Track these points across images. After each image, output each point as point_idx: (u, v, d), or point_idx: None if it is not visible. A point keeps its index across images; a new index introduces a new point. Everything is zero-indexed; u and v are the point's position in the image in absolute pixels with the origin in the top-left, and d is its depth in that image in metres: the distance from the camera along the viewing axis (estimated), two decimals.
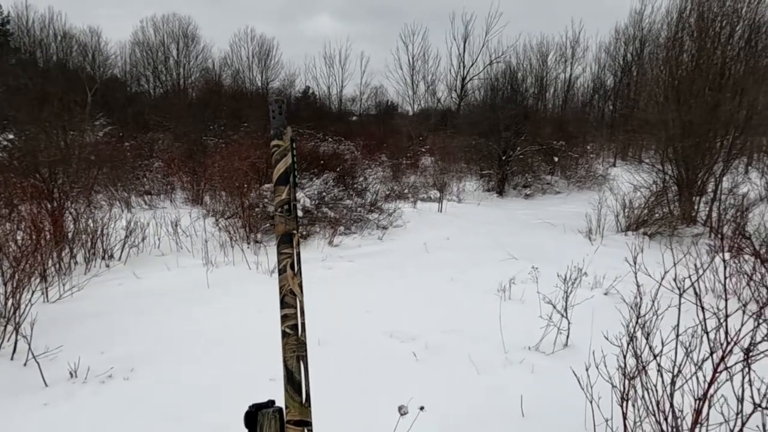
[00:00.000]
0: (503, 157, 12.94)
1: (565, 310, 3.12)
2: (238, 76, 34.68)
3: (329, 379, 2.77)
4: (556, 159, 14.02)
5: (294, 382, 0.95)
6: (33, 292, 3.21)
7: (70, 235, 5.56)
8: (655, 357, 1.91)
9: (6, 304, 3.03)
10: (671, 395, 1.85)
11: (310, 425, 0.95)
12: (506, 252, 5.87)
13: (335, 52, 51.31)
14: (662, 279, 2.05)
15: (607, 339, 2.18)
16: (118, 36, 52.09)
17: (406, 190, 11.81)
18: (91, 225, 5.53)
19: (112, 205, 10.08)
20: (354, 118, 35.77)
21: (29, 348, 2.75)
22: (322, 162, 8.02)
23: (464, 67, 30.37)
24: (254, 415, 0.92)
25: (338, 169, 7.97)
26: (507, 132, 13.01)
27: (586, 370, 2.11)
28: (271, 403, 0.95)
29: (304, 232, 6.50)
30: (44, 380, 2.58)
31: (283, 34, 50.11)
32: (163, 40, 33.55)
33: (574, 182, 14.33)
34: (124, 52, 33.31)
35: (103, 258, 5.43)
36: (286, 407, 0.94)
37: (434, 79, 31.95)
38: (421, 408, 1.98)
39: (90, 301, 3.98)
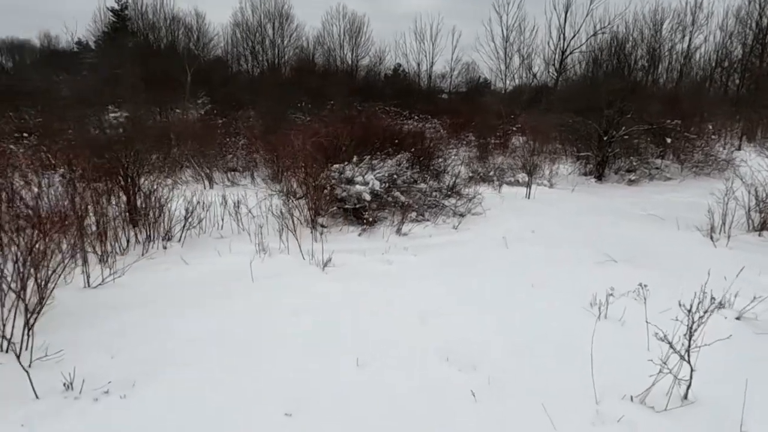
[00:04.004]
0: (604, 138, 11.50)
1: (687, 352, 2.28)
2: (330, 54, 34.86)
3: (363, 420, 2.21)
4: (668, 140, 12.24)
5: None
6: (55, 284, 2.96)
7: (139, 213, 5.51)
8: None
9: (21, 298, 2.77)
10: None
11: None
12: (603, 252, 4.93)
13: (426, 27, 49.75)
14: None
15: None
16: (220, 18, 54.52)
17: (491, 173, 10.88)
18: (152, 201, 5.42)
19: (198, 180, 10.31)
20: (443, 95, 34.71)
21: (30, 351, 2.47)
22: (396, 141, 7.41)
23: (564, 39, 27.97)
24: None
25: (412, 150, 7.32)
26: (610, 109, 11.52)
27: None
28: None
29: (371, 219, 5.97)
30: (35, 391, 2.28)
31: (374, 10, 49.55)
32: (260, 20, 34.37)
33: (689, 167, 12.46)
34: (226, 33, 34.65)
35: (164, 239, 5.29)
36: None
37: (530, 52, 29.73)
38: None
39: (128, 289, 3.75)
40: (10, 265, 3.01)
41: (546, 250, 5.23)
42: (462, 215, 6.72)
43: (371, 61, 35.07)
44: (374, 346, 2.87)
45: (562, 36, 28.06)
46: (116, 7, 31.15)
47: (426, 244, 5.41)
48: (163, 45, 31.75)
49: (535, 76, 29.40)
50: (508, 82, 29.68)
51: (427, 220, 6.51)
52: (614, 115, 11.45)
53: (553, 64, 28.58)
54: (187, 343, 2.93)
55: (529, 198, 8.58)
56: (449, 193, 7.47)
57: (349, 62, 34.78)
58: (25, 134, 11.69)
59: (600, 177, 11.59)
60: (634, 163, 11.73)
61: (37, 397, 2.28)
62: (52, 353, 2.58)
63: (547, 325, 3.26)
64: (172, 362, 2.70)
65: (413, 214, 6.41)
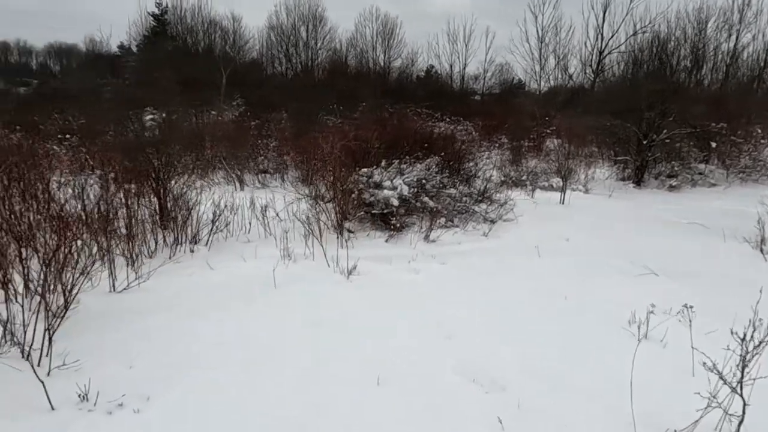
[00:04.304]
0: (644, 141, 11.05)
1: (740, 384, 2.07)
2: (362, 56, 34.91)
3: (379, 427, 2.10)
4: (713, 144, 11.67)
5: None
6: (79, 288, 2.96)
7: (168, 216, 5.55)
8: None
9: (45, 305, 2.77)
10: None
11: None
12: (642, 264, 4.66)
13: (459, 29, 49.17)
14: None
15: None
16: (256, 21, 55.35)
17: (524, 177, 10.60)
18: (181, 204, 5.45)
19: (229, 182, 10.41)
20: (476, 97, 34.30)
21: (49, 358, 2.46)
22: (426, 144, 7.27)
23: (602, 39, 27.20)
24: None
25: (442, 153, 7.16)
26: (650, 111, 11.06)
27: None
28: None
29: (398, 224, 5.85)
30: (50, 402, 2.25)
31: (407, 12, 49.47)
32: (294, 22, 34.69)
33: (735, 173, 11.85)
34: (261, 36, 35.12)
35: (192, 242, 5.30)
36: None
37: (566, 53, 29.03)
38: None
39: (153, 293, 3.74)
40: (35, 269, 3.03)
41: (581, 259, 5.00)
42: (493, 222, 6.52)
43: (403, 63, 34.92)
44: (397, 363, 2.75)
45: (599, 36, 27.29)
46: (156, 11, 32.14)
47: (454, 251, 5.26)
48: (201, 48, 32.44)
49: (570, 77, 28.71)
50: (542, 83, 29.10)
51: (457, 226, 6.34)
52: (655, 117, 11.00)
53: (590, 65, 27.84)
54: (209, 350, 2.90)
55: (563, 204, 8.30)
56: (480, 198, 7.28)
57: (382, 64, 34.74)
58: (67, 135, 12.07)
59: (639, 182, 11.15)
60: (676, 168, 11.23)
61: (52, 408, 2.25)
62: (71, 361, 2.55)
63: (582, 344, 3.06)
64: (193, 372, 2.65)
65: (442, 220, 6.26)
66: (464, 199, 7.05)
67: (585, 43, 33.43)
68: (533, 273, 4.53)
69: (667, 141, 11.07)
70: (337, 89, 23.32)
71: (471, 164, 8.34)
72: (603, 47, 27.32)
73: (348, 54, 34.87)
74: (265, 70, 35.05)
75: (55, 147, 10.12)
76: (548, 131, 17.67)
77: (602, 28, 27.13)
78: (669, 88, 11.63)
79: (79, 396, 2.30)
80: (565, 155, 12.68)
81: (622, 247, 5.53)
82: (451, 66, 34.75)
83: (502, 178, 9.95)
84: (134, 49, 33.32)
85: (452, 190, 6.97)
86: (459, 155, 7.97)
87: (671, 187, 10.76)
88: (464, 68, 34.46)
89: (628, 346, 2.85)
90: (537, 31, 28.87)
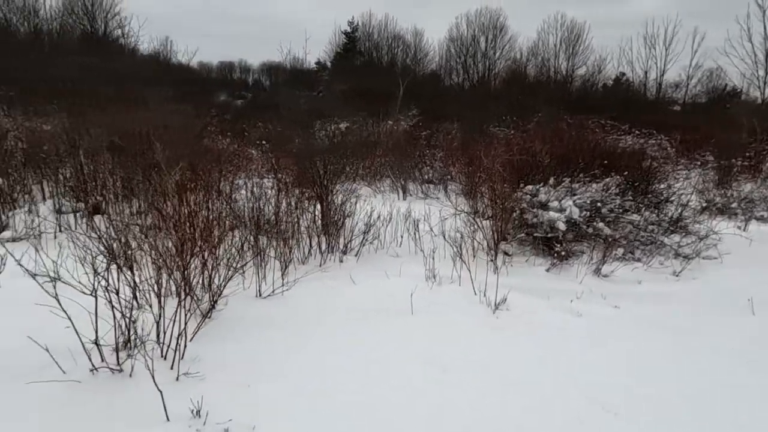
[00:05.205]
0: None
1: None
2: (543, 64, 33.27)
3: None
4: None
5: None
6: (222, 288, 3.01)
7: (328, 222, 5.67)
8: None
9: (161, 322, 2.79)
10: None
11: None
12: None
13: (658, 31, 43.61)
14: None
15: None
16: (438, 34, 56.79)
17: (734, 204, 8.67)
18: (339, 212, 5.49)
19: (394, 190, 10.58)
20: (676, 107, 30.13)
21: (178, 363, 2.48)
22: (605, 161, 6.30)
23: None
24: None
25: (626, 173, 6.12)
26: None
27: None
28: None
29: (563, 252, 5.09)
30: (166, 413, 2.23)
31: (597, 15, 45.66)
32: (474, 33, 34.62)
33: None
34: (441, 48, 35.86)
35: (342, 252, 5.30)
36: None
37: None
38: None
39: (292, 302, 3.70)
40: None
41: None
42: (688, 258, 5.32)
43: (588, 71, 32.30)
44: None
45: None
46: (348, 30, 35.28)
47: (632, 292, 4.34)
48: (384, 62, 34.43)
49: None
50: (767, 91, 24.06)
51: (638, 260, 5.32)
52: None
53: None
54: (323, 381, 2.68)
55: None
56: (672, 228, 6.05)
57: (564, 72, 32.61)
58: (263, 141, 13.64)
59: None
60: None
61: (167, 419, 2.22)
62: (194, 371, 2.55)
63: None
64: (300, 408, 2.44)
65: (619, 251, 5.29)
66: (650, 227, 5.93)
67: None
68: (745, 338, 3.44)
69: None
70: (512, 99, 22.49)
71: (663, 186, 7.02)
72: None
73: (528, 63, 33.54)
74: (442, 81, 35.68)
75: (252, 151, 11.51)
76: None
77: None
78: None
79: (192, 411, 2.26)
80: None
81: None
82: (645, 73, 31.07)
83: (704, 204, 8.25)
84: (329, 64, 36.93)
85: (635, 216, 5.91)
86: (647, 175, 6.76)
87: None
88: (662, 75, 30.51)
89: None
90: (765, 27, 23.91)
